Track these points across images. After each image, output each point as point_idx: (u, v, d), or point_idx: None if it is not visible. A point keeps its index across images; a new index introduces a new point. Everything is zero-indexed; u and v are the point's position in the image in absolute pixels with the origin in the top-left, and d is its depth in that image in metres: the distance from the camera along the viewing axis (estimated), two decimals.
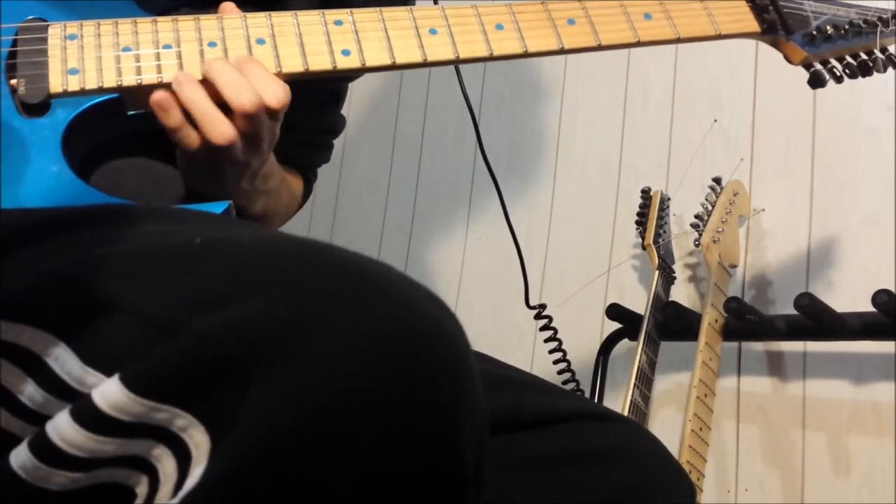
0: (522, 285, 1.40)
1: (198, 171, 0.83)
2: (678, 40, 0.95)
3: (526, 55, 0.89)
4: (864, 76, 1.03)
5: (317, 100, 1.06)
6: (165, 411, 0.50)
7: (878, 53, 1.03)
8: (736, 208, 1.56)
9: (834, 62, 1.02)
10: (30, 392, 0.55)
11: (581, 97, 1.89)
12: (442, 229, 2.00)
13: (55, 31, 0.79)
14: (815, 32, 0.99)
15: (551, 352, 1.48)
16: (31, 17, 0.80)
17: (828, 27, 0.99)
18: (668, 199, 1.64)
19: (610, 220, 1.79)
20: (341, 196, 2.15)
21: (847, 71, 1.02)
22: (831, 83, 1.02)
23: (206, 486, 0.48)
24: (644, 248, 1.58)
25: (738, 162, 1.66)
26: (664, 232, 1.59)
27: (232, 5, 0.85)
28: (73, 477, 0.51)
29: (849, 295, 1.51)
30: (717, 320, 1.43)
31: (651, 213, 1.58)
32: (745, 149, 1.68)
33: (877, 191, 1.54)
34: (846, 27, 1.00)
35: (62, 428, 0.51)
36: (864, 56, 1.03)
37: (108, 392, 0.50)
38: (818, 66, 1.02)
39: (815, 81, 1.02)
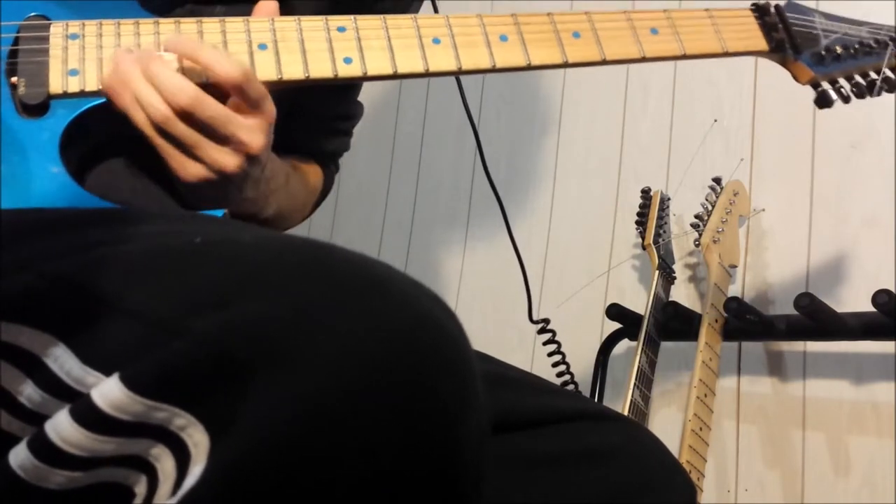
0: (522, 284, 1.40)
1: (202, 194, 0.81)
2: (684, 56, 0.93)
3: (529, 68, 0.88)
4: (872, 96, 1.01)
5: (331, 86, 1.05)
6: (165, 411, 0.50)
7: (888, 73, 1.00)
8: (736, 208, 1.56)
9: (842, 81, 1.00)
10: (29, 393, 0.55)
11: (581, 97, 1.89)
12: (442, 229, 2.00)
13: (57, 30, 0.79)
14: (823, 52, 0.97)
15: (555, 365, 1.49)
16: (33, 14, 0.80)
17: (837, 47, 0.97)
18: (668, 199, 1.64)
19: (610, 220, 1.79)
20: (341, 196, 2.15)
21: (854, 90, 1.00)
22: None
23: (205, 485, 0.48)
24: (644, 248, 1.58)
25: (738, 162, 1.66)
26: (664, 232, 1.58)
27: (271, 5, 0.84)
28: (72, 476, 0.51)
29: (849, 295, 1.51)
30: (717, 320, 1.43)
31: (651, 213, 1.58)
32: (745, 149, 1.68)
33: (877, 191, 1.54)
34: (856, 46, 0.98)
35: (61, 427, 0.51)
36: (873, 75, 1.00)
37: (108, 391, 0.50)
38: (825, 86, 0.99)
39: (822, 101, 1.00)
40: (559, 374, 1.49)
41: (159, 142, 0.76)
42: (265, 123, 0.78)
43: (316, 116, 1.03)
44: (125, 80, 0.75)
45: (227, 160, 0.77)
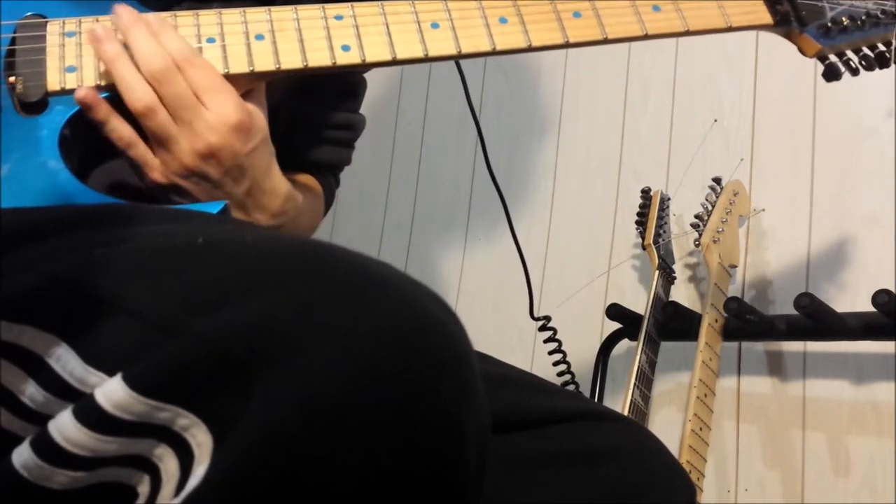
0: (523, 283, 1.41)
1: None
2: (687, 33, 0.91)
3: (530, 49, 0.87)
4: (881, 68, 0.99)
5: (331, 93, 1.04)
6: (168, 410, 0.50)
7: None
8: (736, 208, 1.56)
9: (850, 54, 0.99)
10: (31, 392, 0.55)
11: (581, 97, 1.89)
12: (442, 229, 2.00)
13: (54, 28, 0.79)
14: (830, 24, 0.95)
15: (555, 364, 1.49)
16: (29, 13, 0.80)
17: (844, 18, 0.95)
18: (668, 199, 1.64)
19: (610, 220, 1.79)
20: (341, 196, 2.14)
21: (863, 63, 0.99)
22: (846, 75, 0.98)
23: (209, 485, 0.48)
24: (644, 248, 1.58)
25: (738, 162, 1.66)
26: (664, 232, 1.58)
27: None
28: (75, 476, 0.51)
29: (849, 295, 1.51)
30: (717, 320, 1.43)
31: (651, 213, 1.58)
32: (745, 149, 1.68)
33: (877, 191, 1.54)
34: (863, 18, 0.96)
35: (65, 427, 0.51)
36: (881, 47, 0.99)
37: (111, 391, 0.50)
38: (833, 59, 0.98)
39: (831, 74, 0.98)
40: (560, 374, 1.49)
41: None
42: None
43: (318, 126, 1.03)
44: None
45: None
